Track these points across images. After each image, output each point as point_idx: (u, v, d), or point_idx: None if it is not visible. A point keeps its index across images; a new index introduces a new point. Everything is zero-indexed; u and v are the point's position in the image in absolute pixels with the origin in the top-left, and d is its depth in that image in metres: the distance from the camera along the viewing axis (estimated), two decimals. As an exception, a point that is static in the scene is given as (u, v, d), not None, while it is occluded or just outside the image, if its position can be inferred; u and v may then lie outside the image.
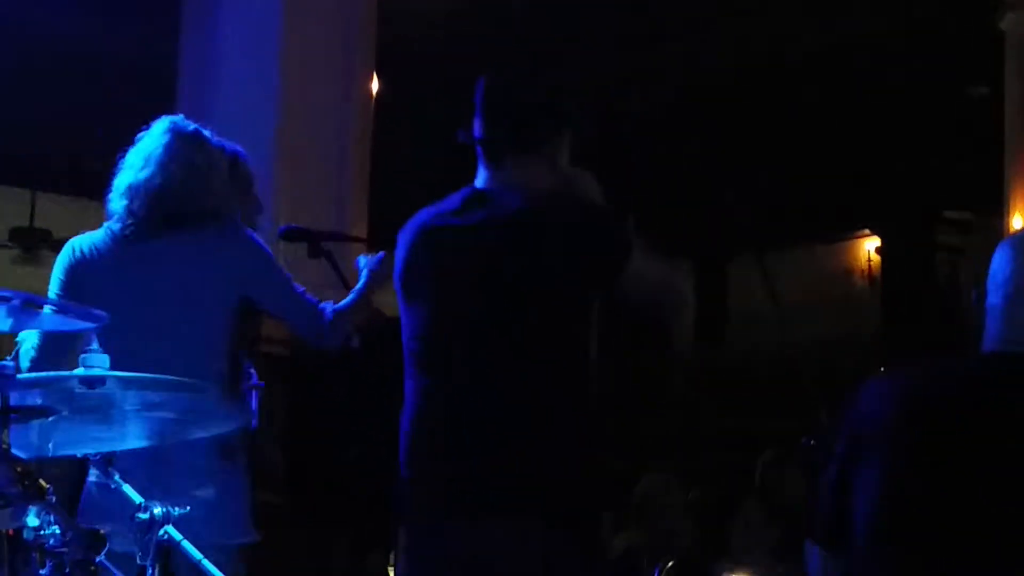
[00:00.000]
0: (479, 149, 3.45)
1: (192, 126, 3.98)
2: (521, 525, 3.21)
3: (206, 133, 3.98)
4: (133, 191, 3.87)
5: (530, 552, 3.20)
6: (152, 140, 3.92)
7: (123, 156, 3.93)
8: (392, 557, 5.48)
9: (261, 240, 3.95)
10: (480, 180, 3.45)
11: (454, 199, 3.45)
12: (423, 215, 3.46)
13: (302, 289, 4.00)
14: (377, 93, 7.84)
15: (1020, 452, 2.68)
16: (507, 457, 3.23)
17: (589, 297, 3.36)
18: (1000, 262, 2.82)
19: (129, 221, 3.87)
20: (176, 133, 3.93)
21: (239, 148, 4.19)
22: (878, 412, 2.79)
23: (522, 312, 3.28)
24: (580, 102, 3.61)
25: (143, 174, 3.88)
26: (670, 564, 2.96)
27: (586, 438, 3.32)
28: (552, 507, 3.23)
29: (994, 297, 2.80)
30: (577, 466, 3.28)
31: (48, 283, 3.89)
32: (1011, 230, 8.72)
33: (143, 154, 3.90)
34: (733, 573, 4.92)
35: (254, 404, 4.07)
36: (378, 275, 4.06)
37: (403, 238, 3.47)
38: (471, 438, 3.26)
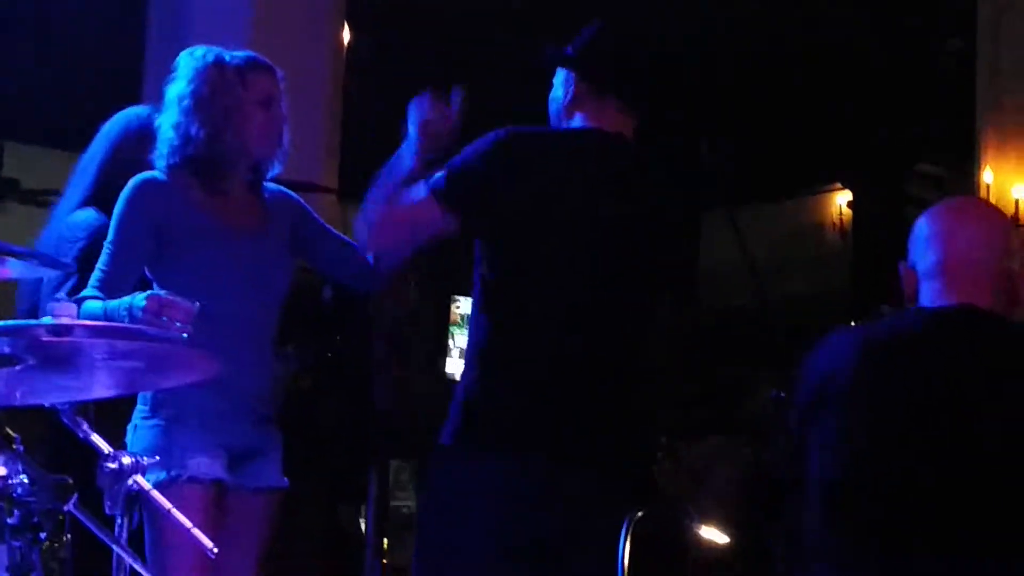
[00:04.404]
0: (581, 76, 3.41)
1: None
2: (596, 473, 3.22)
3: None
4: None
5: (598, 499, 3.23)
6: None
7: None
8: (363, 509, 5.44)
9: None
10: (579, 119, 3.42)
11: (555, 128, 3.41)
12: (524, 130, 3.31)
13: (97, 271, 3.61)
14: (349, 42, 7.78)
15: (975, 402, 2.70)
16: (597, 404, 3.24)
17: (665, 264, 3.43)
18: (924, 230, 2.86)
19: None
20: None
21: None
22: (836, 366, 2.80)
23: (630, 262, 3.30)
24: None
25: None
26: (639, 514, 2.94)
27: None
28: (626, 458, 3.29)
29: (923, 264, 2.84)
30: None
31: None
32: (982, 183, 8.73)
33: None
34: (703, 524, 4.91)
35: None
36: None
37: (495, 144, 3.28)
38: (565, 379, 3.22)
